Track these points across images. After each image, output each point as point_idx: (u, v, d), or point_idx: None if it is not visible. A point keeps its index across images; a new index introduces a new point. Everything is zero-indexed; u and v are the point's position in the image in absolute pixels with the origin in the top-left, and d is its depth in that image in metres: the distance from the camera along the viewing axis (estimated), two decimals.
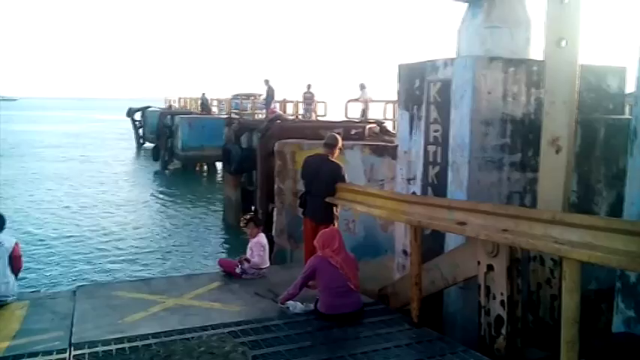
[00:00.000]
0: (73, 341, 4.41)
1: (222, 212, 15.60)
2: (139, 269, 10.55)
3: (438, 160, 5.51)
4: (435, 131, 5.55)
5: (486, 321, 4.24)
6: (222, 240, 13.25)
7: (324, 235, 5.16)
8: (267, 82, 20.88)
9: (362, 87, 19.05)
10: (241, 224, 7.07)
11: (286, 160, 8.81)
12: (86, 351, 4.22)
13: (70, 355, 4.17)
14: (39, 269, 9.88)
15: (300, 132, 10.34)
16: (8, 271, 5.34)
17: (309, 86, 21.19)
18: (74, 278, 9.74)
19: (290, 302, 5.15)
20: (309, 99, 21.03)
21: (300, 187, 7.12)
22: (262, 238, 6.58)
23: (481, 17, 5.45)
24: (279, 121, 11.86)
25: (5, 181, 21.14)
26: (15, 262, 5.43)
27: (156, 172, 25.70)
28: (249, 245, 6.50)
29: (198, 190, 21.31)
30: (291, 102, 23.27)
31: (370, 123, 12.09)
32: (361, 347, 4.30)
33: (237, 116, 22.26)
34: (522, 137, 5.18)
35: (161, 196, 19.87)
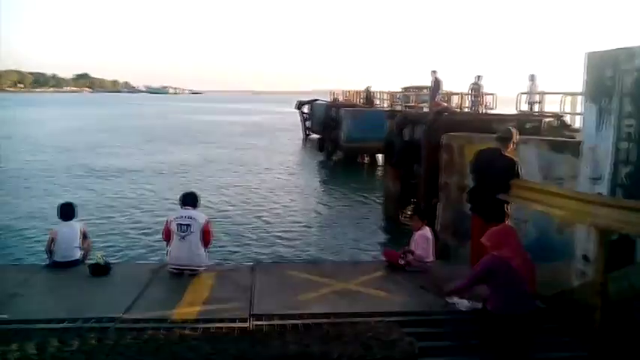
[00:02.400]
0: (253, 312, 4.85)
1: (382, 203, 15.80)
2: (305, 251, 11.16)
3: (632, 158, 4.95)
4: (629, 126, 4.99)
5: None
6: (382, 230, 13.38)
7: (497, 233, 4.90)
8: (433, 73, 20.43)
9: (531, 78, 17.79)
10: (404, 217, 7.10)
11: (454, 154, 8.60)
12: (264, 322, 4.62)
13: (250, 324, 4.60)
14: (223, 244, 10.97)
15: (468, 125, 10.01)
16: (200, 244, 6.03)
17: (478, 77, 20.27)
18: (251, 255, 10.68)
19: (456, 299, 5.05)
20: (476, 91, 20.15)
21: (468, 181, 6.91)
22: (427, 231, 6.53)
23: None
24: (446, 114, 11.60)
25: (198, 165, 24.09)
26: (206, 236, 6.11)
27: (321, 162, 26.84)
28: (414, 238, 6.50)
29: (360, 181, 21.78)
30: (457, 94, 22.53)
31: (548, 116, 11.24)
32: (534, 353, 4.07)
33: (400, 108, 22.27)
34: None
35: (325, 184, 20.75)
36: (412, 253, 6.32)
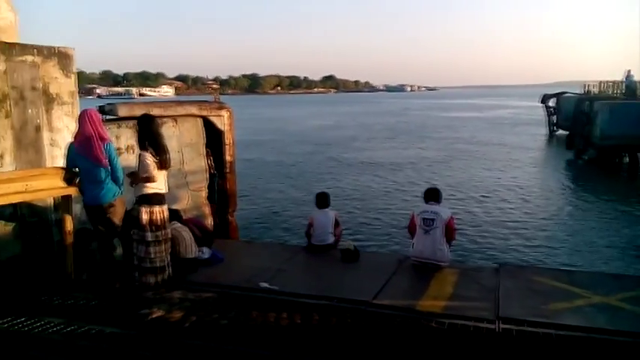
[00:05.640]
0: (500, 315, 4.67)
1: None
2: (551, 257, 10.34)
3: None
4: None
5: None
6: None
7: None
8: None
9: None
10: None
11: None
12: (513, 327, 4.41)
13: (498, 326, 4.44)
14: (464, 241, 10.79)
15: None
16: (444, 240, 6.06)
17: None
18: (493, 254, 10.35)
19: None
20: None
21: None
22: None
23: None
24: None
25: (440, 161, 24.43)
26: (449, 232, 6.11)
27: (568, 161, 24.52)
28: None
29: (617, 184, 19.26)
30: None
31: None
32: None
33: None
34: None
35: (573, 186, 18.86)
36: None
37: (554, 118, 35.40)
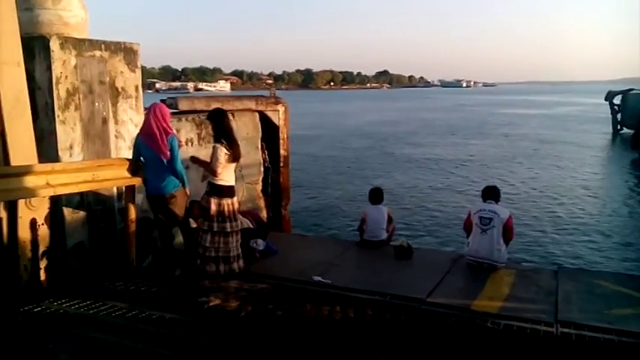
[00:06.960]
0: (559, 318, 4.53)
1: None
2: (613, 260, 9.88)
3: None
4: None
5: None
6: None
7: None
8: None
9: None
10: None
11: None
12: (572, 331, 4.26)
13: (557, 330, 4.31)
14: (521, 242, 10.43)
15: None
16: (501, 240, 5.92)
17: None
18: (551, 257, 10.00)
19: None
20: None
21: None
22: None
23: None
24: None
25: (499, 158, 23.75)
26: (507, 232, 5.97)
27: (634, 162, 23.32)
28: None
29: None
30: None
31: None
32: None
33: None
34: None
35: (637, 188, 17.93)
36: None
37: (620, 116, 33.83)
